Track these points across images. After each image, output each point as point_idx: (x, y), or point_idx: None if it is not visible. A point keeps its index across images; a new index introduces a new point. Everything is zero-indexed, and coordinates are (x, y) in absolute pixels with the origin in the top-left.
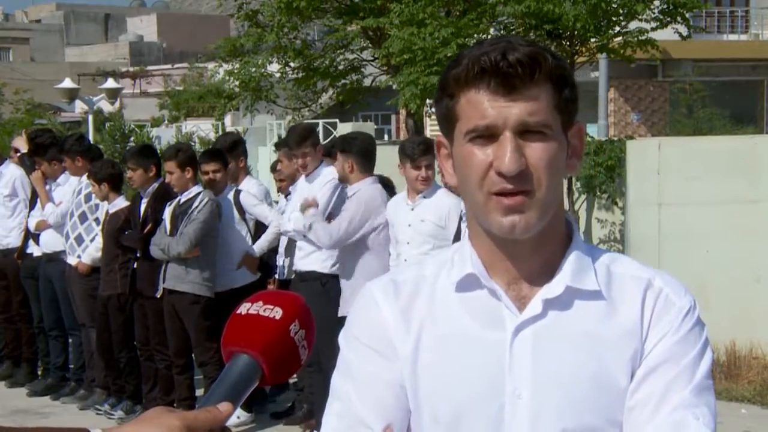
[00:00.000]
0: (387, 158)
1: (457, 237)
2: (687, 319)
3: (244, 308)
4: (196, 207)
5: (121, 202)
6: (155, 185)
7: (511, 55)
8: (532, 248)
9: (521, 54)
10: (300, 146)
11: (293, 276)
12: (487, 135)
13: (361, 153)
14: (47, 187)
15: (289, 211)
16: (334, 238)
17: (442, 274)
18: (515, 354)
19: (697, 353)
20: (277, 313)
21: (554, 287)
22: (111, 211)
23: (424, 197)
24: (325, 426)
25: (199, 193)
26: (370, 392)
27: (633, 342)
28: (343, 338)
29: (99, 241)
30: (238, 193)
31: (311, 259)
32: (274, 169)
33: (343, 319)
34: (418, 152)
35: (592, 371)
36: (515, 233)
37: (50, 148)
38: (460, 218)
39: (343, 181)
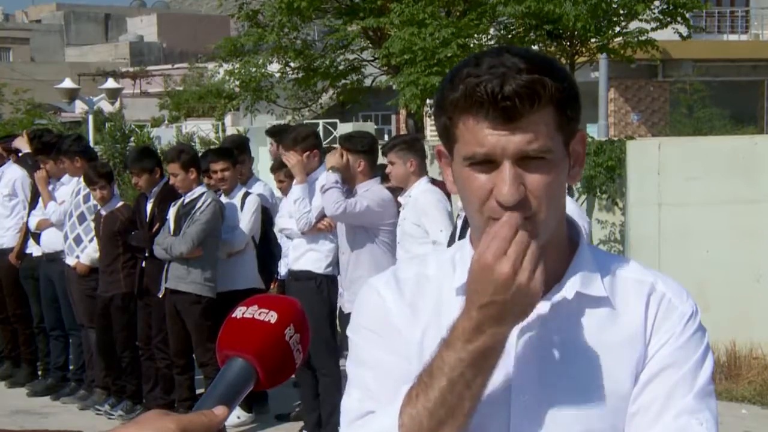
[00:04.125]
0: None
1: (454, 236)
2: (689, 324)
3: (239, 312)
4: (199, 207)
5: (114, 203)
6: (161, 185)
7: (508, 85)
8: None
9: (518, 85)
10: (290, 148)
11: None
12: (486, 162)
13: (371, 152)
14: (50, 186)
15: (285, 211)
16: (341, 210)
17: (445, 275)
18: (520, 357)
19: (699, 358)
20: (272, 317)
21: (563, 292)
22: (105, 213)
23: (410, 195)
24: (345, 414)
25: (203, 194)
26: (383, 375)
27: (636, 347)
28: (350, 330)
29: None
30: (246, 195)
31: (306, 259)
32: (274, 169)
33: (338, 317)
34: (387, 147)
35: (597, 376)
36: None
37: (56, 147)
38: (457, 216)
39: (348, 179)
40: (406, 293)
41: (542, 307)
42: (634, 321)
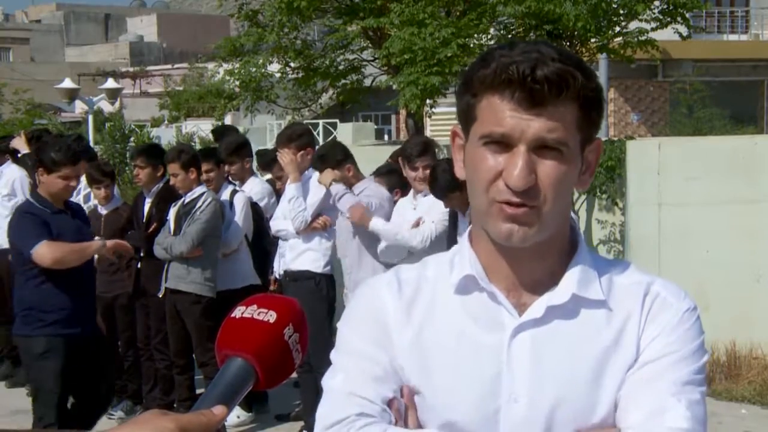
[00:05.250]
0: (387, 158)
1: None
2: (684, 318)
3: (238, 312)
4: (199, 207)
5: (116, 202)
6: (160, 185)
7: (540, 70)
8: (533, 256)
9: (550, 71)
10: (284, 147)
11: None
12: (502, 143)
13: (348, 156)
14: None
15: (279, 213)
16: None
17: (442, 274)
18: (513, 357)
19: (691, 350)
20: (271, 316)
21: (560, 294)
22: (107, 212)
23: (424, 195)
24: (329, 392)
25: (203, 194)
26: (366, 367)
27: (629, 344)
28: (341, 322)
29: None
30: (234, 193)
31: (303, 259)
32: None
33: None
34: (415, 153)
35: (590, 378)
36: (512, 242)
37: None
38: (455, 215)
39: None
40: (405, 294)
41: (537, 309)
42: (627, 318)
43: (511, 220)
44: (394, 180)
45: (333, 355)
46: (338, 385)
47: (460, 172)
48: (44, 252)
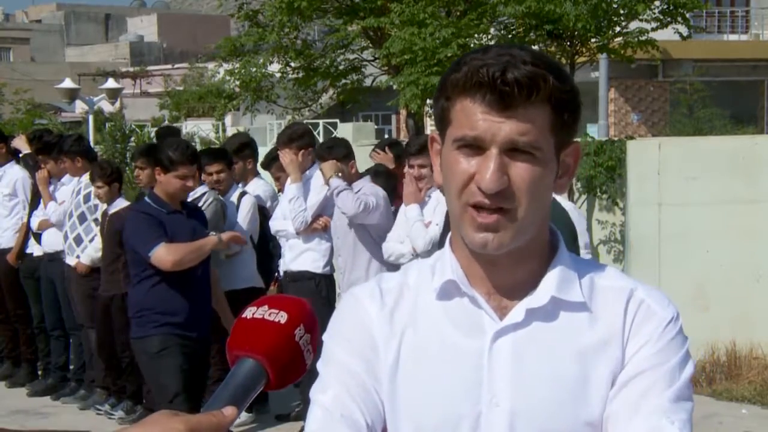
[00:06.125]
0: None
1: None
2: (668, 329)
3: (249, 312)
4: (201, 207)
5: (121, 203)
6: None
7: (510, 73)
8: (511, 260)
9: (520, 74)
10: (285, 147)
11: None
12: (474, 146)
13: (352, 153)
14: (51, 187)
15: (278, 213)
16: (362, 207)
17: (424, 281)
18: (494, 361)
19: (677, 362)
20: (282, 317)
21: (539, 297)
22: (111, 212)
23: (428, 197)
24: (317, 410)
25: (204, 193)
26: (353, 386)
27: (614, 351)
28: (327, 335)
29: (98, 241)
30: (243, 194)
31: (303, 259)
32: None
33: None
34: (412, 151)
35: (572, 381)
36: (487, 250)
37: (57, 147)
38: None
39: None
40: (388, 303)
41: (517, 313)
42: (611, 324)
43: (484, 229)
44: (380, 183)
45: (320, 367)
46: (329, 403)
47: (437, 177)
48: (163, 255)
